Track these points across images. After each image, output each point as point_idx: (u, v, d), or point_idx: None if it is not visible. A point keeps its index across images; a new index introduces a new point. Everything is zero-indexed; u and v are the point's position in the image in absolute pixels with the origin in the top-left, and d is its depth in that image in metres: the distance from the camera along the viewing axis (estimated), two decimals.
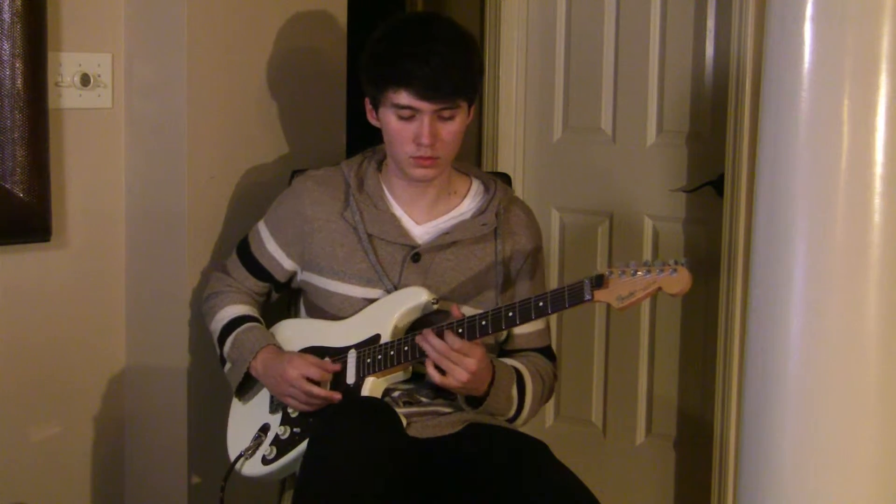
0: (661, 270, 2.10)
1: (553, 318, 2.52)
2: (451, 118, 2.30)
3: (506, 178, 2.59)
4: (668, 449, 3.27)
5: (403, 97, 2.27)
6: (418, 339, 2.24)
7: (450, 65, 2.27)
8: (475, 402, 2.32)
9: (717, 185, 3.04)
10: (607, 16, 3.26)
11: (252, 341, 2.43)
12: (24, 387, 2.69)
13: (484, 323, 2.22)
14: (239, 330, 2.46)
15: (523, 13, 3.39)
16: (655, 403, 3.28)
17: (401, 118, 2.30)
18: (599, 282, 2.12)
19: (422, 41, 2.29)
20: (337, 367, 2.34)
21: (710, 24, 3.09)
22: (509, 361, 2.41)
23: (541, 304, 2.17)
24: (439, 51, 2.27)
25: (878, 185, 2.01)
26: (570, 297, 2.15)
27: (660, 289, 2.10)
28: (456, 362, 2.20)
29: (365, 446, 2.10)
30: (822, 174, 2.04)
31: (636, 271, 2.11)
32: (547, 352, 2.50)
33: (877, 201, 2.01)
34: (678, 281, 2.09)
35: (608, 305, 2.14)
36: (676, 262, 2.10)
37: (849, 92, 2.01)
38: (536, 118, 3.41)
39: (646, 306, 3.25)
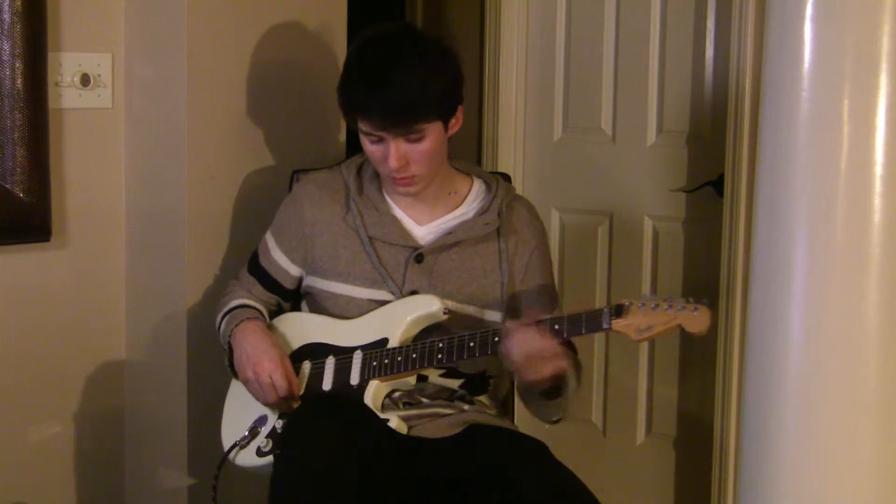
0: (683, 308, 2.10)
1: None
2: (419, 139, 2.27)
3: (506, 178, 2.59)
4: (668, 449, 3.27)
5: (366, 125, 2.27)
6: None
7: (406, 91, 2.22)
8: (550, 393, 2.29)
9: (717, 185, 3.04)
10: (607, 16, 3.26)
11: (242, 314, 2.43)
12: (24, 386, 2.69)
13: (497, 339, 2.21)
14: (235, 311, 2.46)
15: (523, 13, 3.39)
16: (655, 403, 3.28)
17: (371, 142, 2.30)
18: (619, 311, 2.12)
19: (378, 68, 2.25)
20: (299, 391, 2.34)
21: (710, 24, 3.09)
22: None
23: (556, 327, 2.16)
24: (395, 77, 2.22)
25: (878, 185, 2.01)
26: (588, 323, 2.15)
27: (679, 326, 2.10)
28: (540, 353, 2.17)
29: (333, 444, 2.10)
30: (822, 174, 2.04)
31: (657, 305, 2.11)
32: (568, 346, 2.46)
33: (877, 201, 2.01)
34: (699, 321, 2.09)
35: (626, 335, 2.12)
36: (699, 301, 2.10)
37: (849, 92, 2.01)
38: (536, 118, 3.41)
39: None
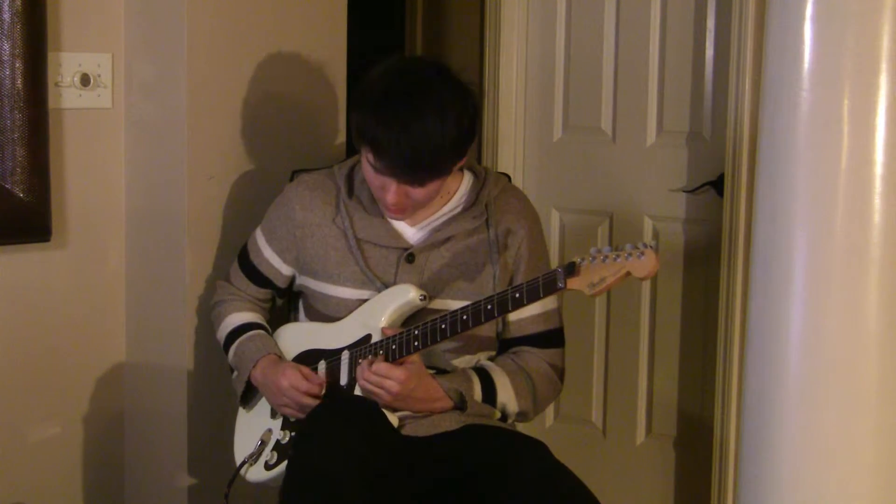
0: (630, 255, 2.08)
1: None
2: (422, 185, 2.26)
3: (506, 178, 2.59)
4: (668, 449, 3.27)
5: (373, 158, 2.25)
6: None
7: (420, 152, 2.19)
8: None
9: (717, 185, 3.04)
10: (607, 16, 3.26)
11: (252, 350, 2.45)
12: (24, 387, 2.69)
13: (465, 317, 2.23)
14: (241, 339, 2.48)
15: (523, 13, 3.38)
16: (655, 403, 3.28)
17: (373, 170, 2.27)
18: (571, 270, 2.12)
19: (400, 115, 2.19)
20: (323, 380, 2.37)
21: (710, 24, 3.09)
22: (482, 363, 2.42)
23: (517, 295, 2.18)
24: (413, 133, 2.18)
25: (878, 185, 2.01)
26: (545, 286, 2.15)
27: (628, 273, 2.08)
28: (376, 384, 2.24)
29: (348, 443, 2.11)
30: (822, 174, 2.04)
31: (606, 257, 2.10)
32: (540, 338, 2.47)
33: (877, 201, 2.01)
34: (645, 265, 2.07)
35: (579, 292, 2.13)
36: (645, 246, 2.08)
37: (849, 92, 2.01)
38: (536, 118, 3.41)
39: (646, 306, 3.25)
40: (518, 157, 3.42)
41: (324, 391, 2.36)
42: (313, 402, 2.33)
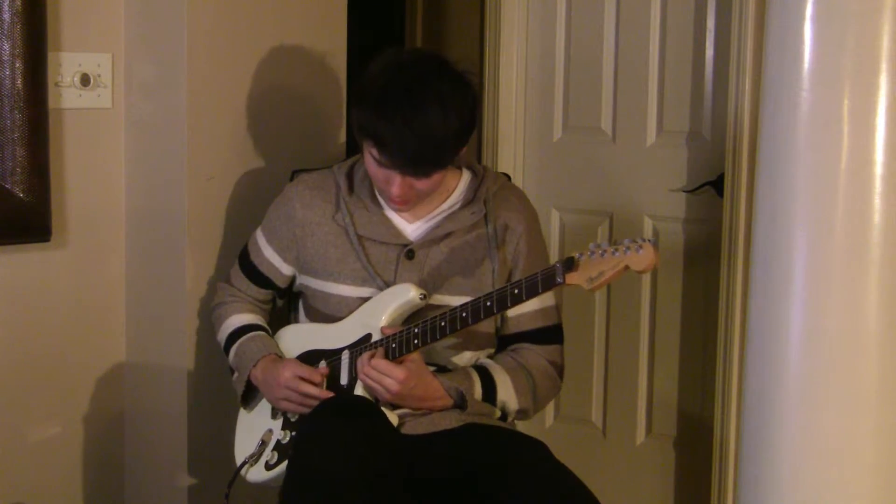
0: (628, 249, 2.09)
1: None
2: (427, 177, 2.28)
3: (505, 177, 2.59)
4: (668, 449, 3.27)
5: (376, 153, 2.26)
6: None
7: (423, 144, 2.20)
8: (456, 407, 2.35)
9: (717, 185, 3.04)
10: (607, 16, 3.26)
11: (253, 351, 2.45)
12: (24, 387, 2.69)
13: (465, 314, 2.23)
14: (241, 340, 2.48)
15: (523, 13, 3.39)
16: (655, 403, 3.28)
17: (377, 164, 2.28)
18: (570, 265, 2.13)
19: (401, 112, 2.20)
20: (326, 370, 2.37)
21: (710, 24, 3.09)
22: (482, 361, 2.42)
23: (516, 291, 2.18)
24: (415, 129, 2.19)
25: (878, 185, 2.01)
26: (544, 282, 2.16)
27: (627, 267, 2.09)
28: (376, 381, 2.25)
29: (348, 443, 2.11)
30: (822, 174, 2.04)
31: (604, 252, 2.11)
32: (538, 335, 2.47)
33: (877, 201, 2.01)
34: (643, 258, 2.08)
35: (578, 287, 2.14)
36: (643, 240, 2.09)
37: (849, 91, 2.01)
38: (536, 118, 3.41)
39: (645, 306, 3.25)
40: (518, 157, 3.42)
41: (325, 384, 2.37)
42: (315, 391, 2.34)
